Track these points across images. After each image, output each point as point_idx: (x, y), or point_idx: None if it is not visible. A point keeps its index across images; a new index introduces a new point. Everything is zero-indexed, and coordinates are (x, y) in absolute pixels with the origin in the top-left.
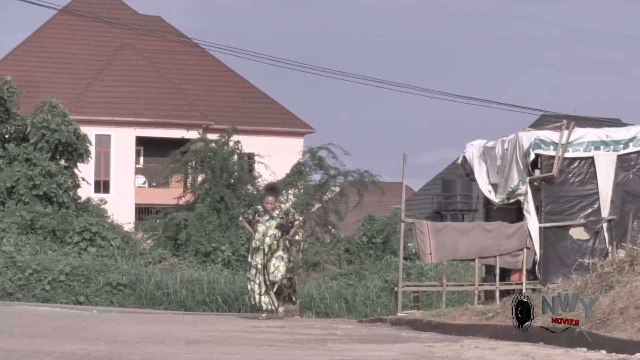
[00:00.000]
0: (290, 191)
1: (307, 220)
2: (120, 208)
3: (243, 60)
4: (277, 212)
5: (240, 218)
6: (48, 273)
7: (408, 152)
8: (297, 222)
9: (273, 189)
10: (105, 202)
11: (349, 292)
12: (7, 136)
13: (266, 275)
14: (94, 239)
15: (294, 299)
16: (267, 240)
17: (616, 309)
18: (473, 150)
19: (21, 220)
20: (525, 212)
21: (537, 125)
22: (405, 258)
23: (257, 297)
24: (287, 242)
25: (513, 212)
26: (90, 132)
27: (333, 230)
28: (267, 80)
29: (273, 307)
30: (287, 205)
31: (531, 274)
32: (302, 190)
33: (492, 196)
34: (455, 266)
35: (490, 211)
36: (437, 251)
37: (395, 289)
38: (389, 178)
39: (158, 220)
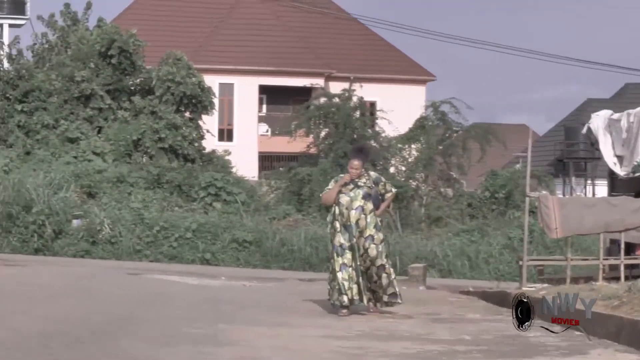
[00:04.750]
0: (412, 146)
1: (430, 174)
2: (243, 156)
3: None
4: (365, 180)
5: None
6: (175, 230)
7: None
8: (389, 195)
9: (361, 150)
10: (229, 153)
11: (472, 249)
12: (132, 89)
13: (357, 259)
14: (219, 194)
15: (385, 298)
16: (353, 214)
17: None
18: (598, 122)
19: (148, 175)
20: None
21: None
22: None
23: (348, 290)
24: (378, 219)
25: (638, 183)
26: (214, 80)
27: (456, 184)
28: (387, 28)
29: (358, 297)
30: (377, 174)
31: None
32: (424, 145)
33: (617, 168)
34: None
35: (615, 181)
36: (562, 226)
37: (520, 263)
38: (506, 118)
39: (282, 169)
